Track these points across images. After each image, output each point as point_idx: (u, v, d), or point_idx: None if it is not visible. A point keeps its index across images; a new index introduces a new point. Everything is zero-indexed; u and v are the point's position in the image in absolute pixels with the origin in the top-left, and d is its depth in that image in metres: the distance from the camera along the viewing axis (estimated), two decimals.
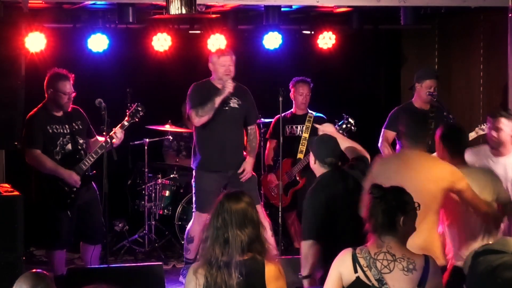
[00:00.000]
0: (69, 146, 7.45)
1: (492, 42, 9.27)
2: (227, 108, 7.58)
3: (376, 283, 4.20)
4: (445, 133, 5.84)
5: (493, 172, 5.93)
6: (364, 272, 4.23)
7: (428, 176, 5.40)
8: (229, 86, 7.44)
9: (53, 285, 3.91)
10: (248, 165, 7.67)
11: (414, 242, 4.62)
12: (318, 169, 5.86)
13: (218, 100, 7.43)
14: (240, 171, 7.62)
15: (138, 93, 8.65)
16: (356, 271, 4.24)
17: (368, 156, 6.11)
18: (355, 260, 4.27)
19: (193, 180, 7.81)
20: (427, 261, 4.26)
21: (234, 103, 7.63)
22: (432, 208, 5.37)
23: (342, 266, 4.30)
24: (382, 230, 4.29)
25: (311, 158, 5.89)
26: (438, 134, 5.86)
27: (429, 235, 5.35)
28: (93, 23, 9.05)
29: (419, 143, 5.61)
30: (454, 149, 5.77)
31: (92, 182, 7.59)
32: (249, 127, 7.81)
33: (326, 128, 6.36)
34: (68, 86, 7.38)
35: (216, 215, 4.28)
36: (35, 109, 7.43)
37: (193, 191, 7.79)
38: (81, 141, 7.53)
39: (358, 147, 6.17)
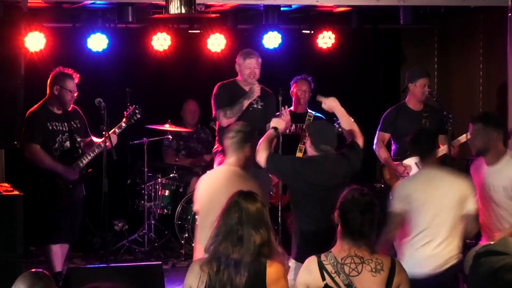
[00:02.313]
0: (68, 144, 7.53)
1: (491, 41, 9.26)
2: (250, 108, 7.58)
3: None
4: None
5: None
6: (332, 278, 4.25)
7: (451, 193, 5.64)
8: (257, 91, 7.48)
9: (53, 284, 3.90)
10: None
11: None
12: (311, 152, 6.00)
13: (246, 103, 7.47)
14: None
15: (137, 93, 8.66)
16: (324, 279, 4.26)
17: (361, 140, 6.13)
18: (322, 268, 4.28)
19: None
20: (393, 262, 4.32)
21: (257, 104, 7.64)
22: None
23: (309, 277, 4.31)
24: (360, 235, 4.31)
25: (308, 140, 6.02)
26: None
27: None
28: (93, 22, 9.05)
29: (429, 159, 5.83)
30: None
31: (83, 184, 7.67)
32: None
33: (330, 103, 6.40)
34: (73, 85, 7.52)
35: (231, 212, 4.26)
36: (36, 106, 7.53)
37: None
38: (78, 140, 7.62)
39: (355, 129, 6.18)
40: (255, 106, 7.64)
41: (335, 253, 4.31)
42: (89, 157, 7.54)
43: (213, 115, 7.70)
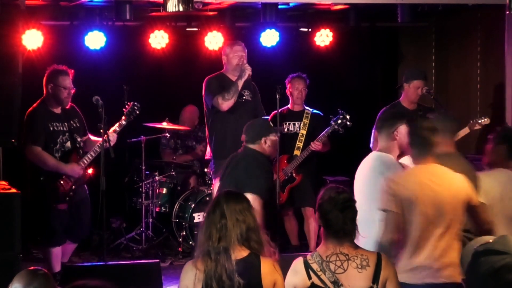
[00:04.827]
0: (68, 144, 7.48)
1: (489, 39, 9.27)
2: (243, 100, 7.79)
3: (331, 286, 4.21)
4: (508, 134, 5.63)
5: None
6: (318, 276, 4.24)
7: (450, 189, 5.04)
8: (248, 69, 7.67)
9: (51, 282, 3.88)
10: None
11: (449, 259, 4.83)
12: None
13: (240, 83, 7.66)
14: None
15: (135, 91, 8.65)
16: (310, 278, 4.25)
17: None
18: (307, 267, 4.27)
19: (212, 170, 7.93)
20: (379, 257, 4.31)
21: (247, 95, 7.87)
22: (455, 221, 5.08)
23: (295, 277, 4.31)
24: (344, 233, 4.30)
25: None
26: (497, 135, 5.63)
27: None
28: (90, 20, 9.06)
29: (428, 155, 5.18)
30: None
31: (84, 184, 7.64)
32: None
33: None
34: (68, 81, 7.44)
35: (214, 212, 4.28)
36: (34, 105, 7.45)
37: (214, 182, 7.82)
38: (78, 139, 7.57)
39: None
40: (246, 97, 7.84)
41: (320, 252, 4.32)
42: (91, 157, 7.48)
43: (205, 110, 7.77)
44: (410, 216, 4.91)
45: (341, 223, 4.29)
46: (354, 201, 4.40)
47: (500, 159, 5.54)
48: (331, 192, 4.39)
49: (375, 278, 4.24)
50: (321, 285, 4.23)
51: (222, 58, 7.89)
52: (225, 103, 7.63)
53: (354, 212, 4.36)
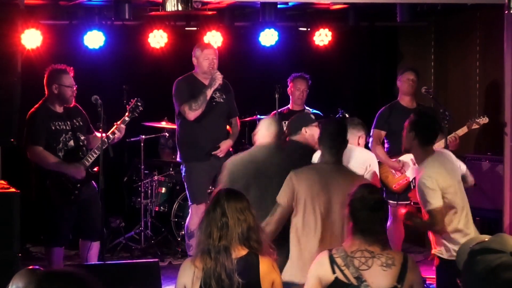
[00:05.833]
0: (72, 143, 7.45)
1: (488, 39, 9.27)
2: (214, 103, 7.71)
3: (354, 281, 4.17)
4: (417, 121, 5.73)
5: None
6: (342, 271, 4.20)
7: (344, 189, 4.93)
8: (219, 78, 7.55)
9: None
10: (224, 144, 7.76)
11: None
12: None
13: (209, 92, 7.55)
14: (216, 145, 7.69)
15: (134, 90, 8.65)
16: (334, 272, 4.22)
17: None
18: (332, 261, 4.24)
19: (183, 174, 7.84)
20: (405, 258, 4.27)
21: (219, 97, 7.78)
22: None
23: (320, 269, 4.28)
24: (371, 233, 4.27)
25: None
26: (408, 122, 5.75)
27: None
28: (89, 19, 9.06)
29: (338, 156, 5.36)
30: (426, 138, 5.68)
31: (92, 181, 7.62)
32: (232, 119, 7.99)
33: None
34: (71, 79, 7.43)
35: (213, 210, 4.27)
36: (36, 106, 7.42)
37: (186, 186, 7.82)
38: (82, 138, 7.54)
39: None
40: (217, 100, 7.75)
41: (346, 247, 4.28)
42: (94, 155, 7.45)
43: (176, 112, 7.75)
44: (301, 212, 5.10)
45: (369, 223, 4.25)
46: (386, 203, 4.39)
47: (411, 146, 5.70)
48: (364, 191, 4.35)
49: (400, 278, 4.19)
50: (345, 280, 4.19)
51: (192, 60, 7.79)
52: (192, 113, 7.55)
53: (385, 213, 4.35)
